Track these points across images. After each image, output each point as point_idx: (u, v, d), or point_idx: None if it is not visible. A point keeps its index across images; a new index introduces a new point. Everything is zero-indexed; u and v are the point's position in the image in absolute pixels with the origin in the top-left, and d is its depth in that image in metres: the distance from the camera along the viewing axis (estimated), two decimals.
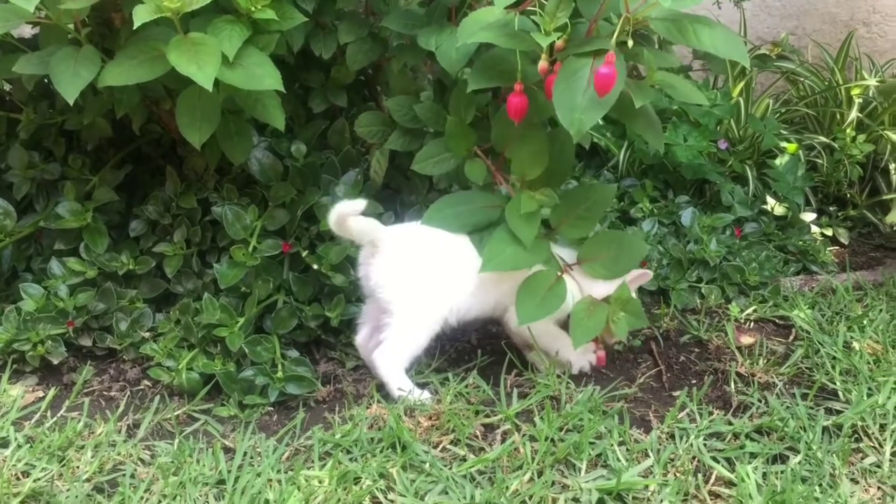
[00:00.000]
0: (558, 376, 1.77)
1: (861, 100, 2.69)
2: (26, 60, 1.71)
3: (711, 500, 1.48)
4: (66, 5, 1.59)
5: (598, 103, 1.49)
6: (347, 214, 1.68)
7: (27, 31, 1.95)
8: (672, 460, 1.57)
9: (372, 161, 1.98)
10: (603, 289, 1.76)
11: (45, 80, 1.98)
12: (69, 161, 2.01)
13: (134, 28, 1.55)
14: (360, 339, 1.82)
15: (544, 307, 1.70)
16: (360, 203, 1.68)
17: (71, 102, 1.63)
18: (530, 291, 1.71)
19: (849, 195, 2.67)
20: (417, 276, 1.73)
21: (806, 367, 1.86)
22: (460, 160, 1.80)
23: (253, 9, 1.65)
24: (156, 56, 1.62)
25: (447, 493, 1.48)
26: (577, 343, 1.70)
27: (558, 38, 1.52)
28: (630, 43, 1.48)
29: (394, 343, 1.72)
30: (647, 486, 1.49)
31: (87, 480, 1.50)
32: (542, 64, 1.56)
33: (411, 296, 1.73)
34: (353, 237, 1.73)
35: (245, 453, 1.55)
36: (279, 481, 1.48)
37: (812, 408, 1.71)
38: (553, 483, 1.50)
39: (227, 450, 1.59)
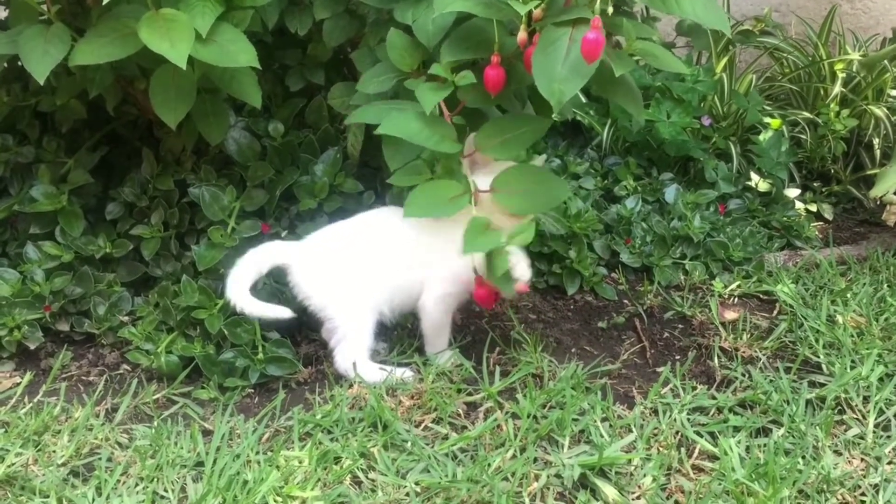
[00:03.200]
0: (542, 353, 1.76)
1: (844, 75, 2.67)
2: None
3: (694, 473, 1.48)
4: None
5: (578, 73, 1.46)
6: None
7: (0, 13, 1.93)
8: (655, 435, 1.56)
9: (348, 135, 1.95)
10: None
11: (18, 61, 1.95)
12: (43, 144, 1.98)
13: (104, 4, 1.52)
14: (324, 332, 1.81)
15: (436, 208, 1.59)
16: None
17: (41, 82, 1.60)
18: (430, 190, 1.61)
19: (833, 170, 2.66)
20: (334, 281, 1.72)
21: (789, 341, 1.86)
22: (403, 78, 1.70)
23: None
24: (127, 34, 1.59)
25: (429, 471, 1.46)
26: (465, 249, 1.56)
27: (536, 7, 1.50)
28: (610, 10, 1.45)
29: (344, 347, 1.71)
30: (629, 461, 1.48)
31: (63, 465, 1.47)
32: (521, 35, 1.53)
33: (337, 301, 1.72)
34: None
35: (224, 435, 1.53)
36: (258, 462, 1.46)
37: (795, 381, 1.71)
38: (536, 459, 1.49)
39: (205, 432, 1.57)
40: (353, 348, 1.71)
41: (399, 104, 1.68)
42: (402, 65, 1.69)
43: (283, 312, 1.72)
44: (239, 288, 1.70)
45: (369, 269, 1.72)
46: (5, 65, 1.97)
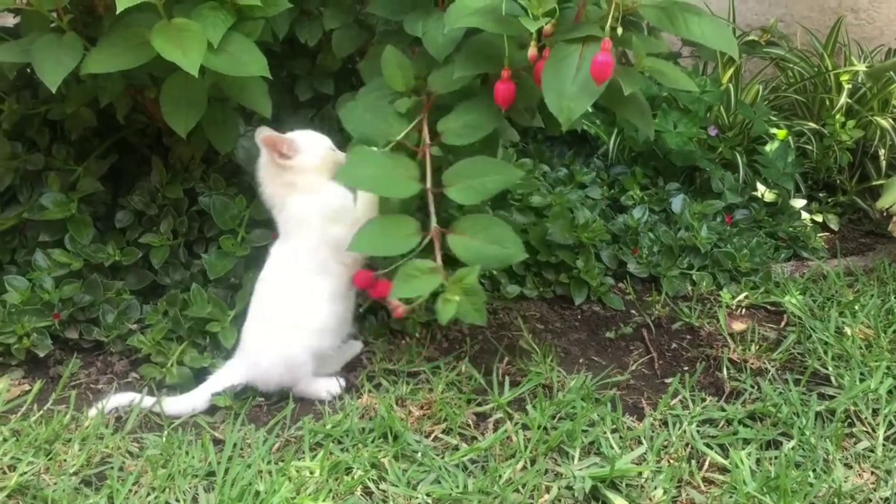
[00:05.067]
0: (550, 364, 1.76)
1: (850, 85, 2.68)
2: (7, 49, 1.68)
3: (705, 486, 1.48)
4: None
5: (588, 90, 1.47)
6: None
7: (9, 20, 1.93)
8: (665, 447, 1.56)
9: None
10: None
11: (28, 70, 1.95)
12: (53, 151, 1.98)
13: (117, 14, 1.52)
14: None
15: (386, 246, 1.57)
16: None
17: (53, 90, 1.60)
18: (382, 226, 1.61)
19: (838, 181, 2.67)
20: (273, 368, 1.68)
21: (798, 353, 1.86)
22: (396, 96, 1.69)
23: None
24: (140, 43, 1.59)
25: (440, 482, 1.46)
26: (395, 294, 1.56)
27: (546, 23, 1.50)
28: (620, 31, 1.46)
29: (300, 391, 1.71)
30: (640, 473, 1.48)
31: (75, 474, 1.47)
32: (532, 51, 1.54)
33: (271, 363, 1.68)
34: None
35: (235, 444, 1.53)
36: (269, 472, 1.46)
37: (805, 393, 1.71)
38: (546, 471, 1.49)
39: (216, 441, 1.57)
40: (305, 390, 1.71)
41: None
42: (395, 84, 1.69)
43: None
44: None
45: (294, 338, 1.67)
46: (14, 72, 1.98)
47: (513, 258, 1.63)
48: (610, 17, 1.46)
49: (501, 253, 1.61)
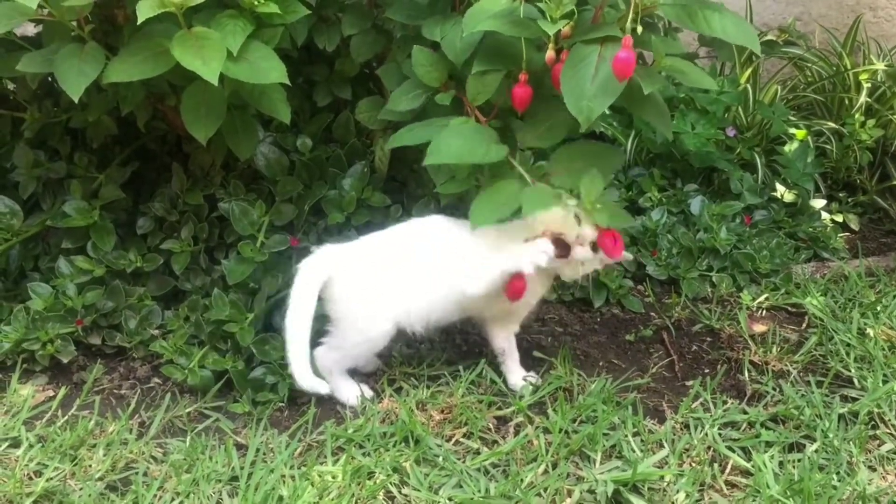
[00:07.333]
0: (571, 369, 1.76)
1: (870, 84, 2.66)
2: (30, 59, 1.70)
3: (728, 489, 1.47)
4: (68, 3, 1.57)
5: (607, 90, 1.47)
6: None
7: (30, 30, 1.95)
8: (687, 450, 1.55)
9: (376, 149, 1.97)
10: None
11: (49, 79, 1.97)
12: (75, 159, 2.00)
13: (138, 24, 1.53)
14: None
15: (499, 211, 1.57)
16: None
17: (76, 100, 1.62)
18: (488, 196, 1.59)
19: (858, 181, 2.65)
20: (358, 295, 1.67)
21: (820, 355, 1.85)
22: (432, 94, 1.72)
23: (256, 3, 1.64)
24: (160, 52, 1.61)
25: (461, 486, 1.47)
26: (527, 209, 1.52)
27: (564, 26, 1.51)
28: (640, 30, 1.46)
29: (333, 354, 1.69)
30: (662, 477, 1.48)
31: (100, 479, 1.49)
32: (549, 53, 1.55)
33: (351, 315, 1.68)
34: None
35: (258, 449, 1.55)
36: (293, 477, 1.47)
37: (827, 395, 1.70)
38: (568, 475, 1.49)
39: (239, 446, 1.58)
40: (334, 360, 1.69)
41: (423, 123, 1.70)
42: (430, 80, 1.71)
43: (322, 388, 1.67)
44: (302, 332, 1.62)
45: (400, 287, 1.66)
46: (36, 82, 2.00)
47: (617, 162, 1.80)
48: (629, 16, 1.46)
49: (608, 167, 1.68)
